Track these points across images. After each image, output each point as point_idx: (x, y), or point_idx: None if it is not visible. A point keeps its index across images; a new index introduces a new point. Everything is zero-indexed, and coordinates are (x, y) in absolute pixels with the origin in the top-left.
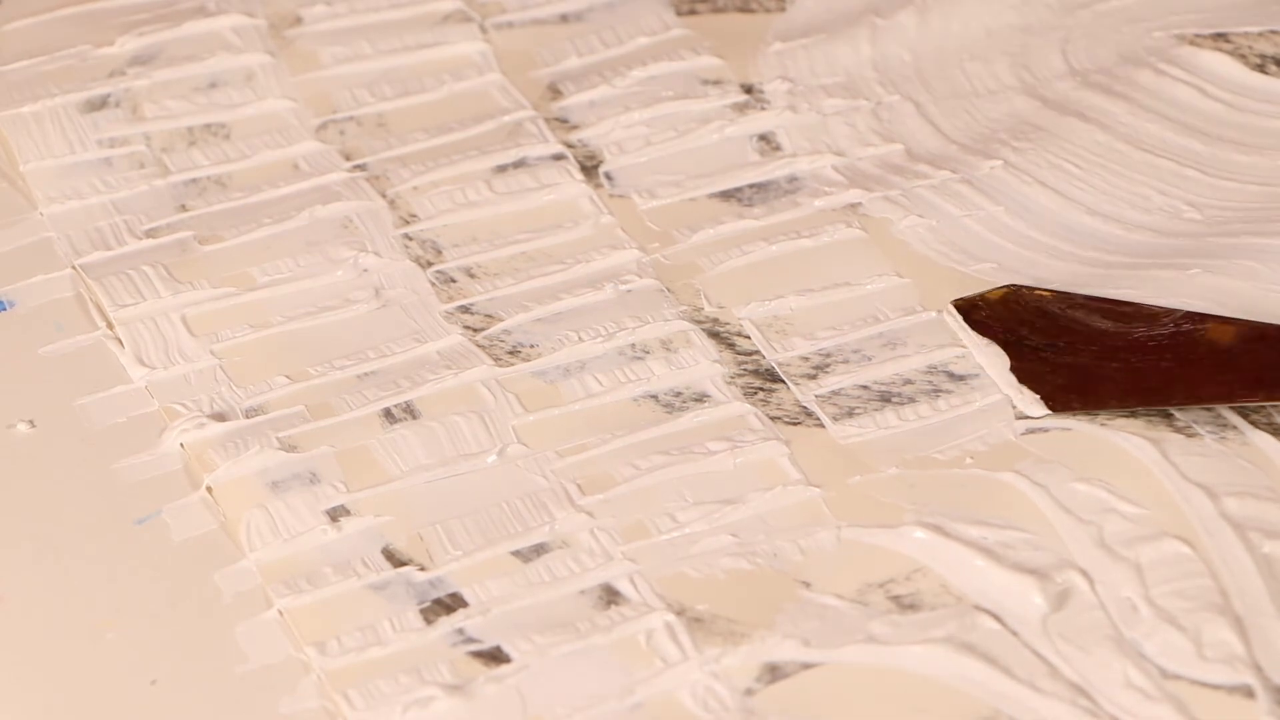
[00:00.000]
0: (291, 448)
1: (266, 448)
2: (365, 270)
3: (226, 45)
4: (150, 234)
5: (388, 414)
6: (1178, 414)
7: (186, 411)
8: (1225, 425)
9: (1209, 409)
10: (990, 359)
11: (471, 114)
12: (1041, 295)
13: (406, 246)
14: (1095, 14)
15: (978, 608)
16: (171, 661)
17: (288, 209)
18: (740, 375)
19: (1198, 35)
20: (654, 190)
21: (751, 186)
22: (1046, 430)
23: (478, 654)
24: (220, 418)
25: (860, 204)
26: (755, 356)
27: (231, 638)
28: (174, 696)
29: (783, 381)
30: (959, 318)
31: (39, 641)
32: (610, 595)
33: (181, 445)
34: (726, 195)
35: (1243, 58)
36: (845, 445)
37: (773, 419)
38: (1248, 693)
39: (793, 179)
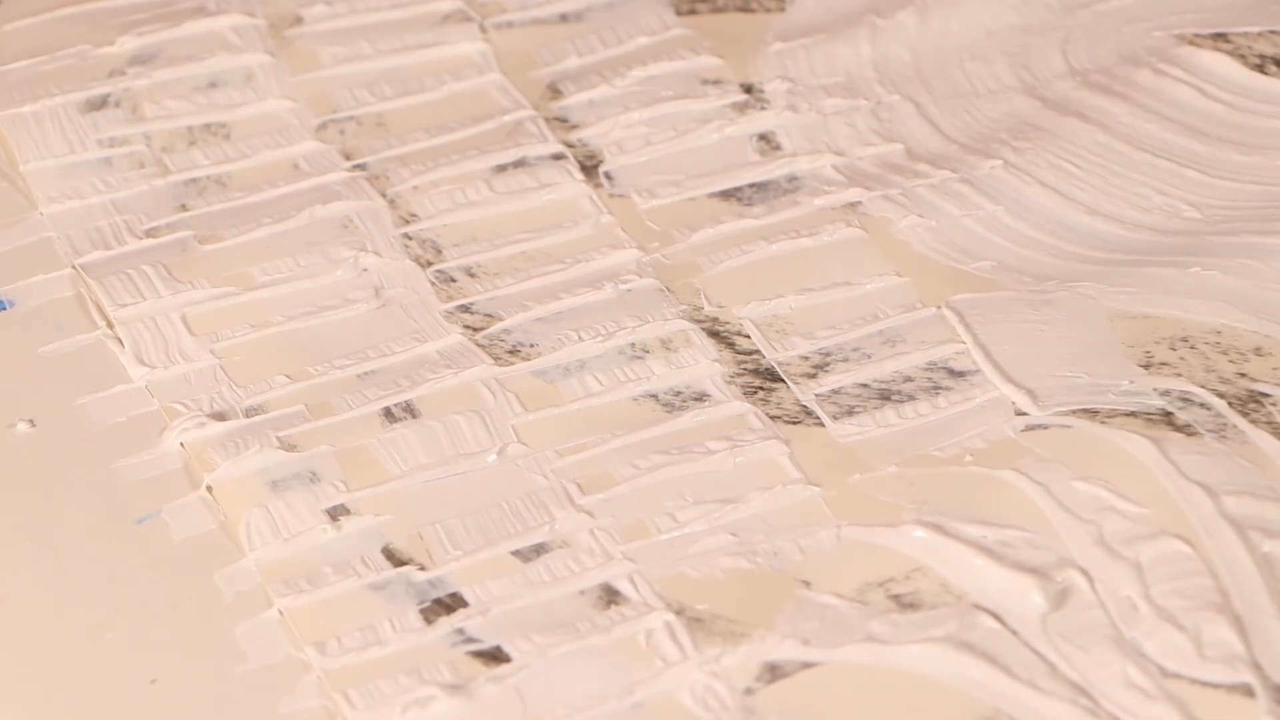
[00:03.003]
0: (291, 447)
1: (266, 447)
2: (365, 270)
3: (226, 45)
4: (150, 234)
5: (388, 413)
6: (1178, 413)
7: (186, 411)
8: (1225, 424)
9: (1208, 409)
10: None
11: (471, 114)
12: None
13: (406, 246)
14: (1095, 14)
15: (977, 607)
16: (171, 661)
17: (288, 209)
18: (740, 374)
19: (1198, 35)
20: (654, 190)
21: (751, 186)
22: (1046, 427)
23: (478, 654)
24: (220, 417)
25: (860, 203)
26: (755, 356)
27: (231, 638)
28: (174, 696)
29: (782, 381)
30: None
31: (39, 641)
32: (610, 595)
33: (181, 445)
34: (726, 195)
35: (1242, 58)
36: (845, 444)
37: (772, 418)
38: (1247, 691)
39: (793, 178)
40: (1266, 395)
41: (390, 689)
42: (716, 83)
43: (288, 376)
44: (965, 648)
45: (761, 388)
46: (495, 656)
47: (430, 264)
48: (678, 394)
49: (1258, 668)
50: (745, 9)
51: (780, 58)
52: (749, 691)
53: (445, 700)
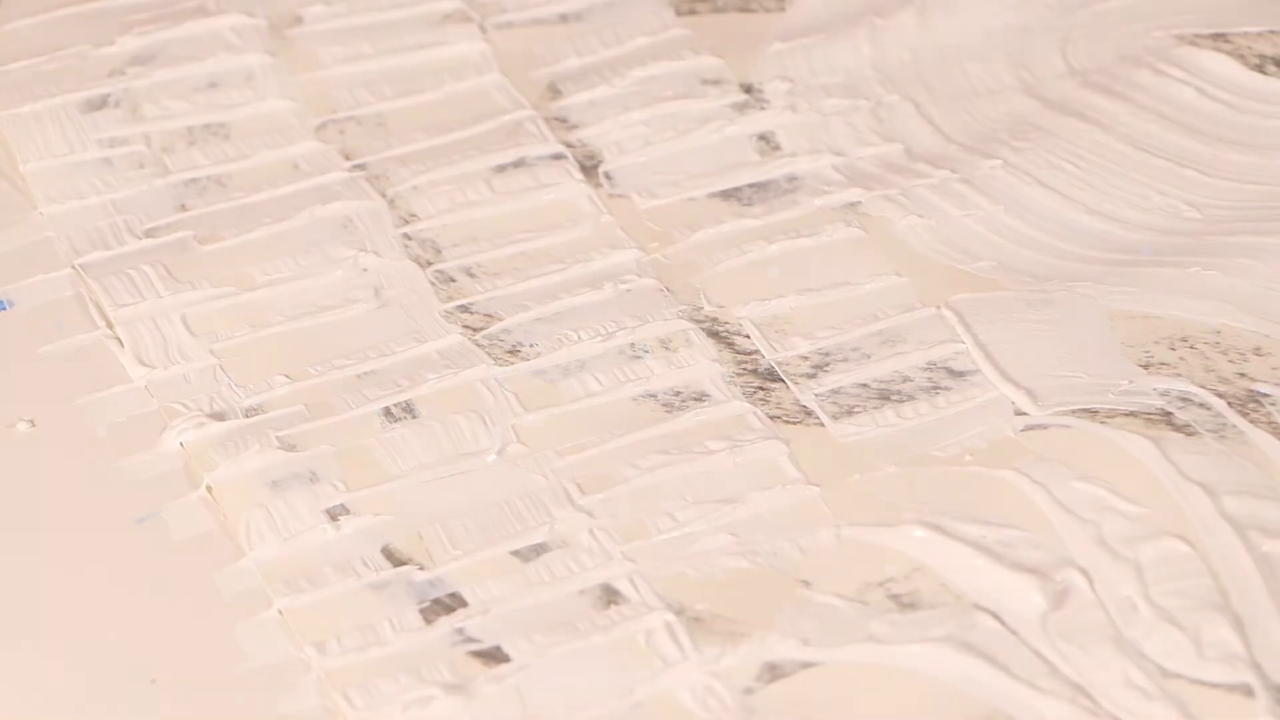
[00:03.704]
0: (291, 447)
1: (266, 447)
2: (365, 270)
3: (226, 45)
4: (150, 234)
5: (387, 413)
6: (1178, 413)
7: (186, 411)
8: (1225, 424)
9: (1207, 409)
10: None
11: (471, 114)
12: None
13: (406, 246)
14: (1095, 14)
15: (977, 606)
16: (171, 661)
17: (288, 209)
18: (740, 374)
19: (1197, 35)
20: (654, 190)
21: (751, 186)
22: (1046, 427)
23: (477, 654)
24: (220, 417)
25: (859, 203)
26: (755, 356)
27: (231, 638)
28: (174, 696)
29: (782, 380)
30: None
31: (39, 642)
32: (610, 595)
33: (181, 444)
34: (726, 195)
35: (1242, 58)
36: (845, 444)
37: (772, 418)
38: (1247, 691)
39: (792, 178)
40: (1266, 395)
41: (390, 689)
42: (716, 83)
43: (288, 376)
44: (965, 648)
45: (761, 388)
46: (495, 656)
47: (430, 264)
48: (677, 394)
49: (1257, 668)
50: (745, 9)
51: (780, 58)
52: (749, 691)
53: (445, 700)
